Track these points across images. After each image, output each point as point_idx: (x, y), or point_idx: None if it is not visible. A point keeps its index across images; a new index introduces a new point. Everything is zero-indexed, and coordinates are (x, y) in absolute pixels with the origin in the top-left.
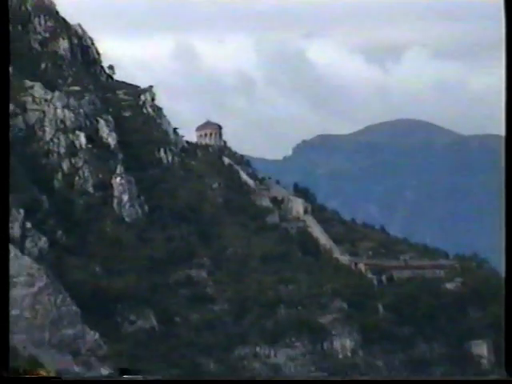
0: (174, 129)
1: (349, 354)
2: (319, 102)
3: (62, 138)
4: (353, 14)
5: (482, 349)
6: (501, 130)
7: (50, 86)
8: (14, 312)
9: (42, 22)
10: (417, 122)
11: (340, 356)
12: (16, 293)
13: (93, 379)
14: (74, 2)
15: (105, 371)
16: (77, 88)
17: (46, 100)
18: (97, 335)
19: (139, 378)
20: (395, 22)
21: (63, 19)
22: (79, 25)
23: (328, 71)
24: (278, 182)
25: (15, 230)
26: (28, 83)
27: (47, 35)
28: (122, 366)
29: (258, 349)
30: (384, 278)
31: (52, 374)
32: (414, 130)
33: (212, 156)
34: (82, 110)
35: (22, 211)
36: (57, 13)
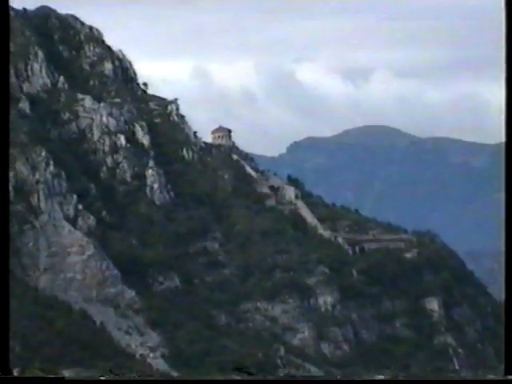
0: (194, 132)
1: (329, 308)
2: (306, 112)
3: (106, 139)
4: (331, 43)
5: (433, 304)
6: (450, 132)
7: (97, 99)
8: (68, 275)
9: (92, 48)
10: (382, 127)
11: (322, 310)
12: (70, 260)
13: (93, 379)
14: (116, 33)
15: (139, 320)
16: (118, 100)
17: (94, 109)
18: (133, 293)
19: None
20: (365, 49)
21: (108, 46)
22: (120, 50)
23: (313, 87)
24: (275, 174)
25: (70, 211)
26: (80, 96)
27: (95, 59)
28: (152, 317)
29: (258, 304)
30: (357, 248)
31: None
32: (380, 133)
33: (223, 153)
34: (122, 118)
35: (75, 196)
36: (103, 41)
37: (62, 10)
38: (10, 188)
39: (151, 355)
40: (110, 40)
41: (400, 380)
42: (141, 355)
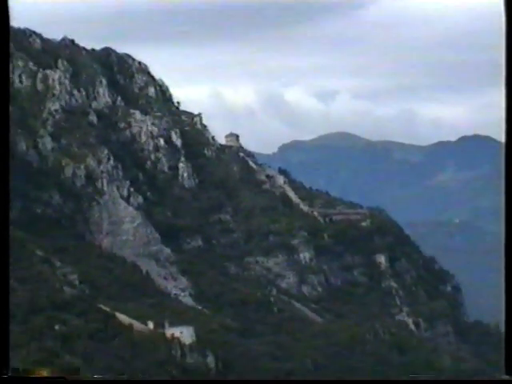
0: (212, 137)
1: (308, 262)
2: (291, 122)
3: (150, 141)
4: (309, 73)
5: (381, 259)
6: (394, 137)
7: (144, 113)
8: (123, 237)
9: (140, 77)
10: (345, 133)
11: (303, 262)
12: (124, 227)
13: (94, 380)
14: (158, 65)
15: (174, 270)
16: (159, 114)
17: (142, 120)
18: (169, 250)
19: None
20: (332, 78)
21: (152, 76)
22: (160, 79)
23: (296, 105)
24: (269, 167)
25: (124, 192)
26: (132, 111)
27: (142, 84)
28: (183, 267)
29: (258, 258)
30: (327, 219)
31: (54, 374)
32: (344, 137)
33: (233, 152)
34: (161, 126)
35: (128, 182)
36: (148, 72)
37: (120, 50)
38: (83, 176)
39: (182, 294)
40: (153, 71)
41: (400, 380)
42: (174, 294)
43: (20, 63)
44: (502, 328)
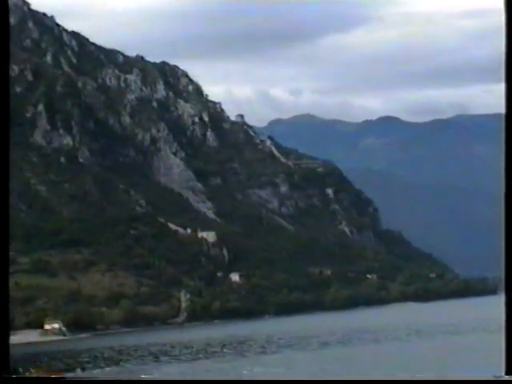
0: (227, 116)
1: (285, 192)
2: (278, 108)
3: (189, 119)
4: (285, 78)
5: (330, 191)
6: (338, 117)
7: (186, 101)
8: (173, 177)
9: (183, 79)
10: (308, 115)
11: (282, 193)
12: (173, 171)
13: (94, 379)
14: (194, 71)
15: (203, 197)
16: (195, 102)
17: (184, 106)
18: (200, 185)
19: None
20: (299, 81)
21: (191, 79)
22: (196, 81)
23: (278, 98)
24: (262, 134)
25: (173, 149)
26: (178, 100)
27: (185, 84)
28: (209, 196)
29: (255, 191)
30: (297, 167)
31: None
32: (307, 117)
33: (240, 126)
34: (196, 109)
35: (175, 143)
36: (188, 76)
37: (172, 62)
38: (148, 139)
39: (208, 212)
40: (191, 75)
41: (400, 380)
42: (203, 212)
43: (110, 70)
44: (405, 235)
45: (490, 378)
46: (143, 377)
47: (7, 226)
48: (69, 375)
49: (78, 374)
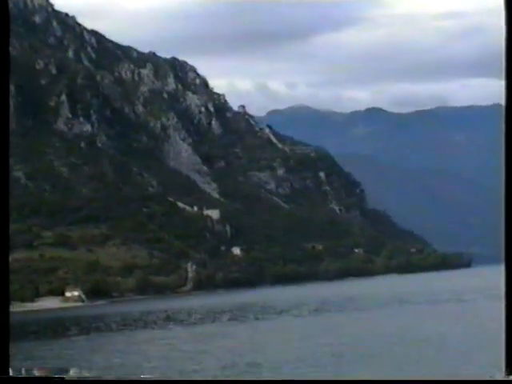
0: (230, 106)
1: (282, 175)
2: (275, 98)
3: (196, 108)
4: (282, 72)
5: (322, 174)
6: (330, 107)
7: (193, 93)
8: (181, 160)
9: (191, 74)
10: (303, 106)
11: (279, 175)
12: (182, 155)
13: (95, 379)
14: (202, 67)
15: (208, 179)
16: (201, 93)
17: (192, 97)
18: (206, 168)
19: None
20: (295, 75)
21: (198, 73)
22: (203, 75)
23: (275, 90)
24: (261, 123)
25: (182, 136)
26: (187, 92)
27: (192, 77)
28: (214, 178)
29: (255, 173)
30: (292, 152)
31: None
32: (302, 108)
33: (241, 115)
34: (203, 100)
35: (184, 130)
36: (196, 71)
37: (181, 58)
38: (159, 126)
39: (212, 192)
40: (199, 70)
41: (400, 380)
42: (208, 192)
43: (125, 65)
44: (389, 213)
45: (490, 378)
46: (143, 377)
47: (7, 223)
48: (71, 373)
49: (78, 374)
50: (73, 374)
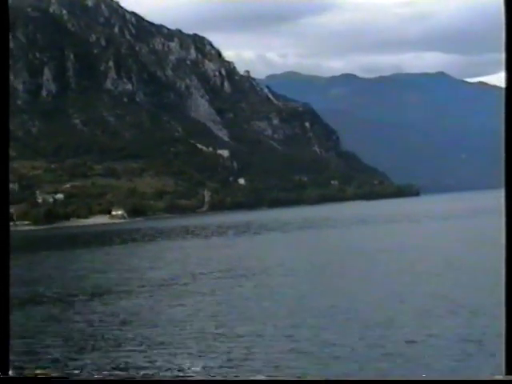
0: (238, 72)
1: (277, 124)
2: (271, 66)
3: (212, 72)
4: (276, 46)
5: (307, 124)
6: (313, 72)
7: (210, 60)
8: (200, 113)
9: (208, 46)
10: (293, 72)
11: (274, 124)
12: (201, 108)
13: (97, 379)
14: (217, 40)
15: (219, 126)
16: (216, 61)
17: (209, 64)
18: (219, 118)
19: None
20: (287, 48)
21: (213, 45)
22: (218, 47)
23: (272, 59)
24: (261, 85)
25: (201, 94)
26: (205, 60)
27: (209, 48)
28: (225, 126)
29: (256, 122)
30: (285, 107)
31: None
32: (292, 73)
33: (246, 78)
34: (217, 66)
35: (202, 89)
36: (211, 44)
37: (201, 34)
38: (183, 88)
39: (223, 136)
40: (214, 43)
41: (400, 380)
42: (220, 136)
43: (157, 39)
44: (358, 154)
45: (490, 377)
46: (143, 377)
47: (7, 223)
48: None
49: (78, 373)
50: None
